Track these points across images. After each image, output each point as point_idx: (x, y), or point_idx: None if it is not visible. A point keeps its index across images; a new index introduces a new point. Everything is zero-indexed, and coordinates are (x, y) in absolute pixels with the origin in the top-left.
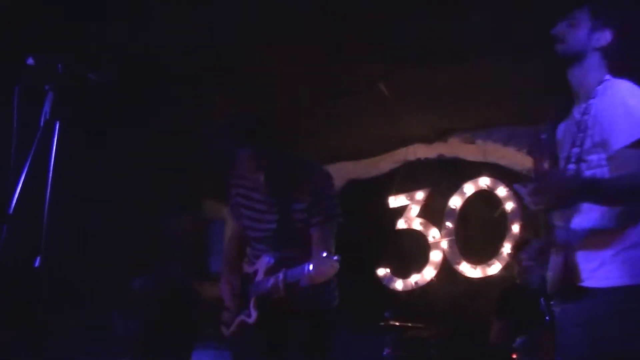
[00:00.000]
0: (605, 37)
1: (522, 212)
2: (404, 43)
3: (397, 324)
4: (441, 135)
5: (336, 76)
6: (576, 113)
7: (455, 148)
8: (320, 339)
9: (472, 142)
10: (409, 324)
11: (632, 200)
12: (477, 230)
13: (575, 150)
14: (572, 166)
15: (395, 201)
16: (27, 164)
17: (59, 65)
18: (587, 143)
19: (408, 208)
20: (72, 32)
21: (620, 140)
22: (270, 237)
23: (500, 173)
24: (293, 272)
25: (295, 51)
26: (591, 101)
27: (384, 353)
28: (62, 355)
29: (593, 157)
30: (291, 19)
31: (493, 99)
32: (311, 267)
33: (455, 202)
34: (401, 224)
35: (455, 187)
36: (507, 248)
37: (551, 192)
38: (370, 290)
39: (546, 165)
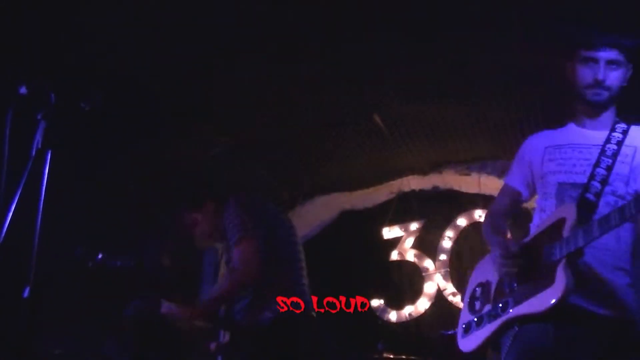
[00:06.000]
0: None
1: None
2: (399, 75)
3: (391, 355)
4: (436, 167)
5: (331, 107)
6: (587, 137)
7: (450, 180)
8: None
9: (467, 174)
10: (403, 356)
11: None
12: (471, 263)
13: (601, 171)
14: (596, 184)
15: (389, 232)
16: (18, 194)
17: (52, 94)
18: (618, 169)
19: (402, 239)
20: (63, 60)
21: None
22: None
23: None
24: None
25: (290, 82)
26: (616, 135)
27: None
28: None
29: (620, 185)
30: (286, 49)
31: (488, 132)
32: None
33: (450, 234)
34: (395, 255)
35: (450, 219)
36: None
37: None
38: (364, 322)
39: None
